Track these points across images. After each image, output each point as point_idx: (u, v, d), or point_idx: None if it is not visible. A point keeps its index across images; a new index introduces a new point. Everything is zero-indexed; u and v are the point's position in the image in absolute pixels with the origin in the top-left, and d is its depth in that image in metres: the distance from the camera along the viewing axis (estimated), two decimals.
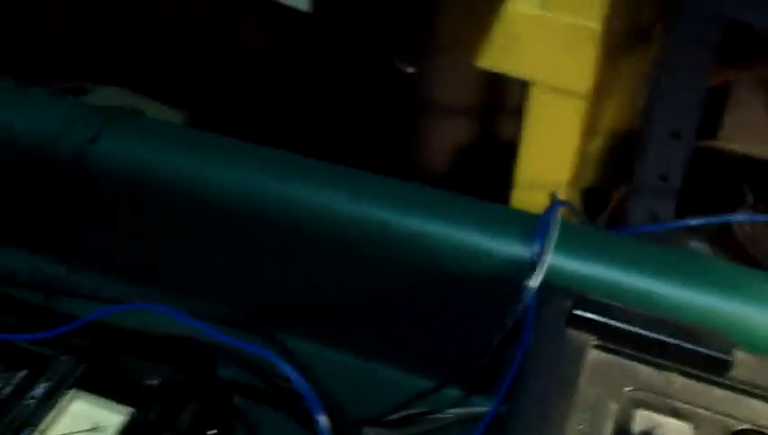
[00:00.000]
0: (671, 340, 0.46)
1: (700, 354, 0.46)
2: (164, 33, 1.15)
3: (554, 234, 0.54)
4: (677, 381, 0.46)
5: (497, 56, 0.86)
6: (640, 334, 0.47)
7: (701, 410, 0.45)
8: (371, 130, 1.09)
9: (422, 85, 1.07)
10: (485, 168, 1.04)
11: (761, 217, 0.71)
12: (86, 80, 1.04)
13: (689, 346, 0.46)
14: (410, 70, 0.69)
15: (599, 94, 0.94)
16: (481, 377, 0.57)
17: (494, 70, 0.86)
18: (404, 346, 0.60)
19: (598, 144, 1.03)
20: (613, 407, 0.45)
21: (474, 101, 1.11)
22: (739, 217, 0.64)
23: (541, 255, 0.53)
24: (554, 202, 0.56)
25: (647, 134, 0.78)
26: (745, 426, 0.44)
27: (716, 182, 1.02)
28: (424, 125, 1.10)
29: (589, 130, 1.00)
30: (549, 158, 0.88)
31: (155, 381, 0.47)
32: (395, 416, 0.57)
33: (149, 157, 0.60)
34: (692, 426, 0.44)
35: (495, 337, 0.53)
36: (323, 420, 0.49)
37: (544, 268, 0.52)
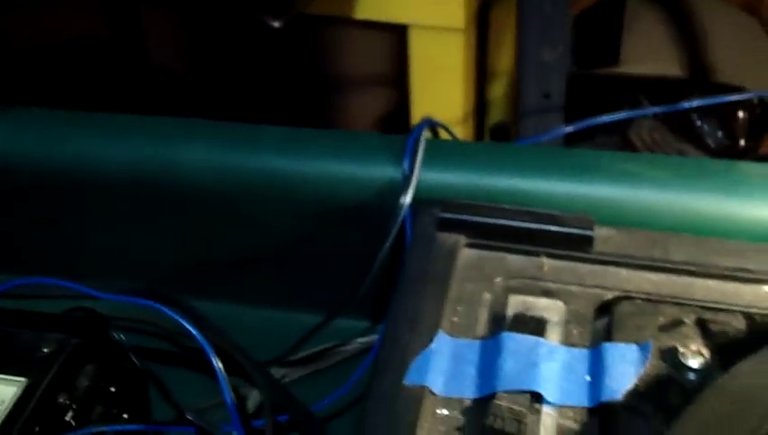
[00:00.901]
0: (535, 226, 0.48)
1: (563, 235, 0.48)
2: (75, 55, 1.15)
3: (421, 151, 0.55)
4: (546, 264, 0.48)
5: (369, 6, 0.87)
6: (507, 226, 0.48)
7: (571, 287, 0.46)
8: (287, 110, 1.10)
9: (331, 59, 1.08)
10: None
11: (637, 113, 0.72)
12: None
13: (552, 228, 0.48)
14: (277, 24, 0.70)
15: (490, 33, 0.96)
16: (381, 304, 0.58)
17: (370, 19, 0.88)
18: (301, 287, 0.61)
19: (501, 85, 1.05)
20: (487, 297, 0.46)
21: (385, 68, 1.12)
22: (619, 116, 0.66)
23: (410, 172, 0.54)
24: (421, 123, 0.57)
25: (522, 54, 0.80)
26: (614, 294, 0.46)
27: (617, 103, 1.04)
28: (339, 99, 1.11)
29: (489, 72, 1.02)
30: (439, 96, 0.89)
31: (47, 350, 0.48)
32: (301, 354, 0.58)
33: (20, 144, 0.61)
34: (563, 302, 0.46)
35: (377, 259, 0.54)
36: (219, 364, 0.50)
37: (414, 184, 0.54)
